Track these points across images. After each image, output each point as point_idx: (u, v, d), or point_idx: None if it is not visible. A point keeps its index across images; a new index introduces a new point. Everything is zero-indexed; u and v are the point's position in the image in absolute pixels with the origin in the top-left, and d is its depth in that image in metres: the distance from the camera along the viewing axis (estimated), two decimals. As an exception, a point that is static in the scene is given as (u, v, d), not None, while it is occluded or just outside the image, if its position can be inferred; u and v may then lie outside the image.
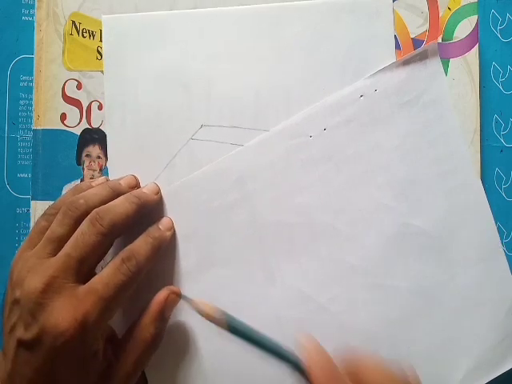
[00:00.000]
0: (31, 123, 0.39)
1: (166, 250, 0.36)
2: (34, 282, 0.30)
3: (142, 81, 0.37)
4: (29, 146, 0.40)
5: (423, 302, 0.36)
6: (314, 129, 0.37)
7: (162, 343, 0.35)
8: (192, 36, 0.37)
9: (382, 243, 0.36)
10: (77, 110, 0.38)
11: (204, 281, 0.36)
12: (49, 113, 0.38)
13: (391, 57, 0.37)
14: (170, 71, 0.37)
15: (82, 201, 0.32)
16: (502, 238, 0.38)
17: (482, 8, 0.39)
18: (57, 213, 0.32)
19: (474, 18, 0.39)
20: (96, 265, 0.33)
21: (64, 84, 0.38)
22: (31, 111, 0.39)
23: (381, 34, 0.37)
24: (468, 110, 0.38)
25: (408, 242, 0.36)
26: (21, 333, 0.29)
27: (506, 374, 0.37)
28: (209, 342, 0.36)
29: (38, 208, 0.38)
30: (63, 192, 0.38)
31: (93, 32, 0.39)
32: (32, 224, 0.38)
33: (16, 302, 0.30)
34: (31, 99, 0.39)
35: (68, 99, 0.39)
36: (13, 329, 0.30)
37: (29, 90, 0.40)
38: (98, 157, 0.38)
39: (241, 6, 0.38)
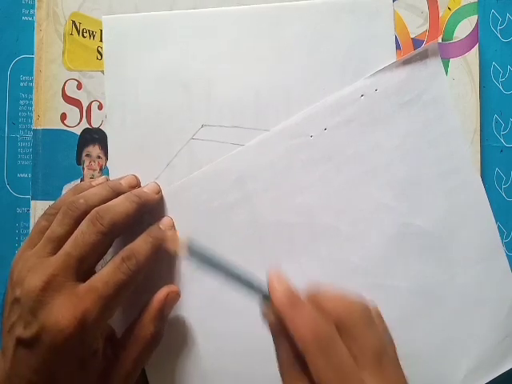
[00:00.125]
0: (31, 123, 0.39)
1: (166, 250, 0.35)
2: (34, 281, 0.30)
3: (142, 81, 0.37)
4: (29, 146, 0.39)
5: (423, 301, 0.36)
6: (314, 129, 0.37)
7: (162, 342, 0.35)
8: (192, 36, 0.37)
9: (382, 243, 0.36)
10: (77, 110, 0.38)
11: (204, 280, 0.36)
12: (49, 113, 0.38)
13: (391, 57, 0.37)
14: (171, 71, 0.37)
15: (82, 200, 0.32)
16: (502, 238, 0.38)
17: (482, 8, 0.39)
18: (57, 213, 0.33)
19: (474, 18, 0.39)
20: (96, 263, 0.33)
21: (64, 84, 0.38)
22: (31, 111, 0.39)
23: (381, 33, 0.37)
24: (468, 110, 0.39)
25: (408, 242, 0.36)
26: (20, 331, 0.29)
27: (506, 374, 0.37)
28: (209, 342, 0.36)
29: (38, 208, 0.38)
30: (63, 192, 0.38)
31: (93, 32, 0.39)
32: (32, 224, 0.38)
33: (16, 300, 0.30)
34: (31, 99, 0.39)
35: (68, 99, 0.39)
36: (12, 328, 0.30)
37: (29, 89, 0.40)
38: (98, 157, 0.38)
39: (241, 6, 0.38)
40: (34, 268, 0.30)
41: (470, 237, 0.37)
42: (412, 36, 0.39)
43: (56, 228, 0.32)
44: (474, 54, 0.39)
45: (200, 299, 0.36)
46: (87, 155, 0.38)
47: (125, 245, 0.33)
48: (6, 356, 0.30)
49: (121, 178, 0.36)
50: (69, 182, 0.38)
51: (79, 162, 0.38)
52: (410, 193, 0.37)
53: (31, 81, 0.39)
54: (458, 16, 0.39)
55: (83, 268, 0.31)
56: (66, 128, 0.38)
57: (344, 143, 0.36)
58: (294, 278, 0.36)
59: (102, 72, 0.38)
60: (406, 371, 0.28)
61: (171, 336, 0.36)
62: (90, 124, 0.38)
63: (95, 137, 0.38)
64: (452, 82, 0.38)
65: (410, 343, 0.36)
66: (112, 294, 0.30)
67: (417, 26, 0.39)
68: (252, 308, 0.35)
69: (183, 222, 0.36)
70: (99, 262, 0.33)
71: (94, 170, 0.38)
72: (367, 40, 0.37)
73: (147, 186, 0.36)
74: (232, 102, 0.37)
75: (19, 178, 0.40)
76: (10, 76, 0.40)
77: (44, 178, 0.38)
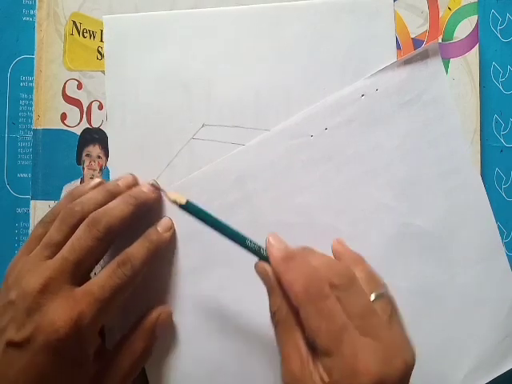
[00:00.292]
0: (31, 123, 0.39)
1: (166, 250, 0.36)
2: (31, 283, 0.30)
3: (142, 80, 0.37)
4: (29, 146, 0.39)
5: (423, 301, 0.36)
6: (314, 129, 0.37)
7: (162, 342, 0.35)
8: (192, 36, 0.37)
9: (382, 243, 0.36)
10: (77, 110, 0.38)
11: (204, 280, 0.36)
12: (49, 113, 0.38)
13: (392, 57, 0.37)
14: (171, 71, 0.37)
15: (78, 208, 0.33)
16: (502, 238, 0.38)
17: (482, 8, 0.39)
18: (53, 220, 0.33)
19: (474, 18, 0.39)
20: (93, 267, 0.33)
21: (64, 84, 0.38)
22: (31, 111, 0.39)
23: (381, 33, 0.37)
24: (468, 110, 0.39)
25: (408, 242, 0.36)
26: (11, 334, 0.29)
27: (506, 374, 0.37)
28: (209, 342, 0.36)
29: (38, 208, 0.38)
30: (63, 192, 0.38)
31: (93, 32, 0.39)
32: (32, 224, 0.38)
33: (10, 303, 0.30)
34: (31, 99, 0.39)
35: (68, 99, 0.39)
36: (3, 331, 0.30)
37: (29, 90, 0.40)
38: (98, 156, 0.38)
39: (241, 6, 0.38)
40: (31, 271, 0.31)
41: (470, 237, 0.37)
42: (412, 36, 0.39)
43: (53, 234, 0.32)
44: (474, 54, 0.39)
45: (199, 299, 0.36)
46: (87, 155, 0.38)
47: (123, 244, 0.33)
48: None
49: (118, 179, 0.36)
50: (69, 181, 0.38)
51: (79, 161, 0.38)
52: (410, 193, 0.37)
53: (31, 81, 0.39)
54: (458, 16, 0.39)
55: (80, 272, 0.31)
56: (66, 128, 0.38)
57: (344, 143, 0.36)
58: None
59: (103, 72, 0.38)
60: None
61: (171, 336, 0.36)
62: (90, 124, 0.38)
63: (95, 137, 0.38)
64: (452, 82, 0.38)
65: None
66: (108, 298, 0.31)
67: (417, 25, 0.39)
68: (252, 308, 0.36)
69: (183, 221, 0.36)
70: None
71: (94, 170, 0.38)
72: (367, 40, 0.37)
73: (144, 185, 0.35)
74: (232, 101, 0.37)
75: (19, 178, 0.40)
76: (10, 76, 0.40)
77: (44, 178, 0.38)
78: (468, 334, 0.36)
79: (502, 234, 0.39)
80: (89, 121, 0.38)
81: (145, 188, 0.35)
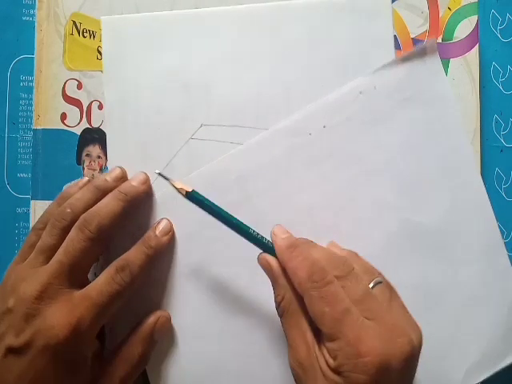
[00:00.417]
0: (31, 123, 0.39)
1: (166, 251, 0.35)
2: (29, 290, 0.30)
3: (142, 80, 0.37)
4: (29, 146, 0.40)
5: (424, 299, 0.36)
6: (313, 127, 0.36)
7: (162, 342, 0.35)
8: (192, 36, 0.37)
9: (384, 240, 0.36)
10: (77, 110, 0.38)
11: (205, 280, 0.36)
12: (49, 112, 0.38)
13: (391, 57, 0.37)
14: (170, 71, 0.37)
15: (68, 210, 0.33)
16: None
17: (482, 8, 0.39)
18: (45, 227, 0.33)
19: (474, 18, 0.39)
20: (89, 268, 0.33)
21: (64, 84, 0.39)
22: (31, 111, 0.39)
23: (380, 33, 0.37)
24: (468, 110, 0.38)
25: (409, 240, 0.36)
26: (11, 340, 0.29)
27: (507, 375, 0.37)
28: (209, 342, 0.36)
29: (38, 208, 0.38)
30: (63, 192, 0.38)
31: (93, 32, 0.39)
32: (32, 224, 0.38)
33: (8, 311, 0.30)
34: (31, 99, 0.39)
35: (68, 99, 0.39)
36: (2, 338, 0.30)
37: (29, 89, 0.40)
38: (98, 156, 0.38)
39: (241, 6, 0.38)
40: (27, 277, 0.31)
41: (471, 234, 0.37)
42: (412, 36, 0.39)
43: (46, 239, 0.32)
44: (474, 54, 0.39)
45: (199, 300, 0.36)
46: (87, 155, 0.38)
47: (120, 243, 0.33)
48: None
49: (106, 174, 0.35)
50: (69, 181, 0.38)
51: (79, 161, 0.38)
52: (410, 190, 0.36)
53: (31, 81, 0.39)
54: (458, 16, 0.39)
55: (76, 274, 0.31)
56: (66, 128, 0.38)
57: (343, 141, 0.36)
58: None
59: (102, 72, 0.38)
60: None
61: (171, 336, 0.36)
62: (90, 124, 0.38)
63: (95, 137, 0.38)
64: (452, 82, 0.38)
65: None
66: (106, 303, 0.31)
67: (417, 26, 0.39)
68: (252, 308, 0.36)
69: (183, 221, 0.36)
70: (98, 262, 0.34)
71: (94, 170, 0.38)
72: (367, 40, 0.37)
73: (134, 178, 0.35)
74: (232, 101, 0.37)
75: (19, 178, 0.40)
76: (10, 76, 0.40)
77: (44, 178, 0.38)
78: (469, 332, 0.36)
79: (502, 233, 0.38)
80: (89, 121, 0.38)
81: (134, 182, 0.35)
